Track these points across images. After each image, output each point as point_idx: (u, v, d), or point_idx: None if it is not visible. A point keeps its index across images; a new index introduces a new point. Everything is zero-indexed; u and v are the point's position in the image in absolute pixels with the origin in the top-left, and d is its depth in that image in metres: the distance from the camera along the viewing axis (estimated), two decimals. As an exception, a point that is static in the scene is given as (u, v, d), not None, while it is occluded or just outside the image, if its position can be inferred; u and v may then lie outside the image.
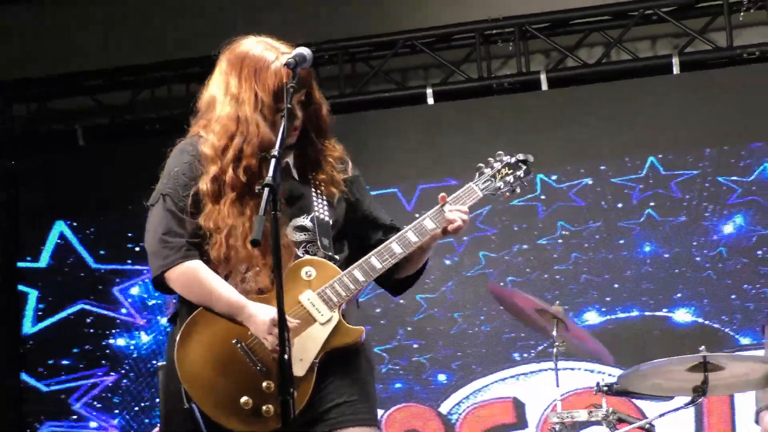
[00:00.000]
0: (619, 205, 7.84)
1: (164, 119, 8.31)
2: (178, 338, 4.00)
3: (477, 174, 4.22)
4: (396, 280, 4.27)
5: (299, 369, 3.92)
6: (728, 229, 7.69)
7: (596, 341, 6.13)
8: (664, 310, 7.70)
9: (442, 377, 7.94)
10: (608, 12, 8.12)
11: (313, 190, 4.14)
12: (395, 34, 8.31)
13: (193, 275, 3.99)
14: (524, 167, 4.24)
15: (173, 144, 4.17)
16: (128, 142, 8.49)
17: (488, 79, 8.24)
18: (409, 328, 7.97)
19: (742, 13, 7.89)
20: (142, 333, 8.33)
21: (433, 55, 8.31)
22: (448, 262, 7.95)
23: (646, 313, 7.72)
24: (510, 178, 4.21)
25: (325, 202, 4.14)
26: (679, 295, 7.69)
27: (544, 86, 8.09)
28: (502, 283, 7.79)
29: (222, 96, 4.07)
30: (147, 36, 8.48)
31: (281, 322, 3.64)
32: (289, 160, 4.15)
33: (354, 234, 4.23)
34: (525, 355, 7.83)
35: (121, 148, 8.47)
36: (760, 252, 7.63)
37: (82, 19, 8.63)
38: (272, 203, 3.66)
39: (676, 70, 7.93)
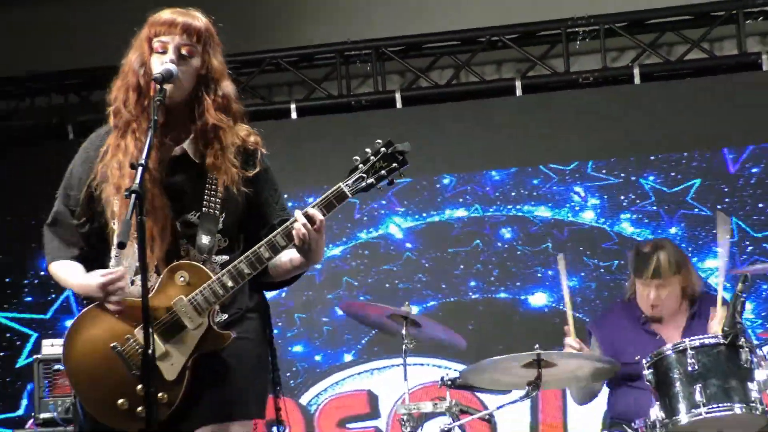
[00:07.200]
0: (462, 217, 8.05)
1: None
2: (65, 337, 4.11)
3: (350, 171, 4.07)
4: (267, 283, 4.28)
5: (170, 373, 4.01)
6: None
7: (448, 330, 6.26)
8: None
9: (302, 370, 8.08)
10: (457, 38, 8.32)
11: (207, 182, 4.10)
12: (262, 52, 8.39)
13: (56, 275, 4.19)
14: (400, 158, 4.08)
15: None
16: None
17: (347, 97, 8.39)
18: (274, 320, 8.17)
19: (578, 42, 8.14)
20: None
21: (297, 72, 8.44)
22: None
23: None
24: (384, 172, 4.06)
25: (218, 196, 4.10)
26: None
27: (399, 104, 8.27)
28: (361, 297, 7.98)
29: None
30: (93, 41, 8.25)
31: (146, 329, 3.74)
32: (186, 146, 4.12)
33: (246, 226, 4.21)
34: (378, 350, 7.99)
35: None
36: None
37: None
38: (138, 209, 3.73)
39: (519, 92, 8.15)
